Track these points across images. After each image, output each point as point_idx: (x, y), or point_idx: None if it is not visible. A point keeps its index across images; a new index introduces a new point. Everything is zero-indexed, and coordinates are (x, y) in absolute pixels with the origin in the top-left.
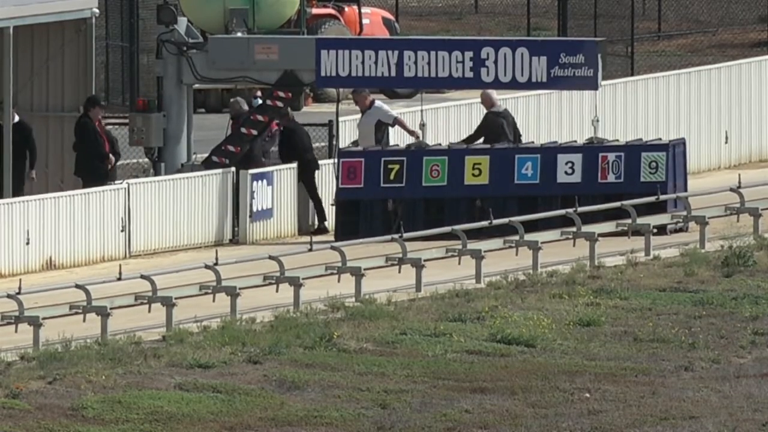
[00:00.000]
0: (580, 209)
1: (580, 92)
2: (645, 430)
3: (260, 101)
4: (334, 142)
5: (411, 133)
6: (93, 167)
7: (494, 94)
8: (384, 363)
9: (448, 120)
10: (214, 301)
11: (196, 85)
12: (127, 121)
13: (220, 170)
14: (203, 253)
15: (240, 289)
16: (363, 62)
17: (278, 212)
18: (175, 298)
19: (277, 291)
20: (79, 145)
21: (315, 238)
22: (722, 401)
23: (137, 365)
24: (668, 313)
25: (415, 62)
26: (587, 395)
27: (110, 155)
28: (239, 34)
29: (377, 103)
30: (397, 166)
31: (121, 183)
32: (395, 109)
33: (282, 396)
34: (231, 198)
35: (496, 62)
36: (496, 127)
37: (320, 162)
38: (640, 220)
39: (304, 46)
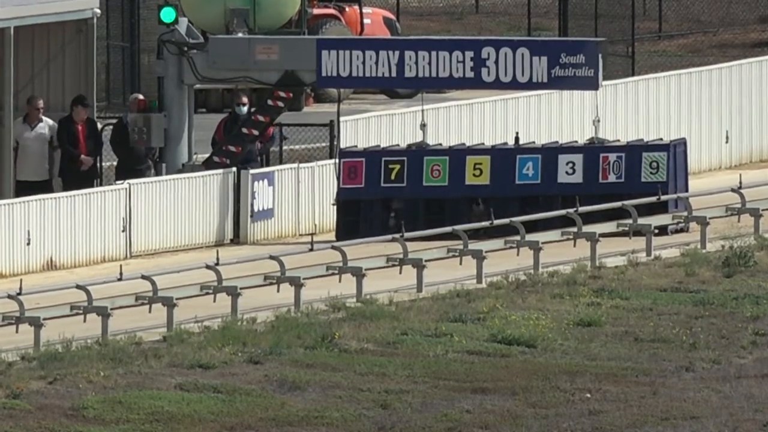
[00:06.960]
0: (581, 209)
1: (581, 92)
2: (646, 430)
3: (244, 109)
4: (335, 143)
5: None
6: (68, 168)
7: None
8: (385, 363)
9: (448, 120)
10: (215, 301)
11: (197, 86)
12: None
13: (220, 170)
14: (204, 253)
15: (241, 289)
16: (364, 62)
17: (279, 212)
18: (176, 299)
19: (278, 291)
20: (60, 146)
21: (316, 238)
22: (723, 401)
23: (138, 365)
24: (669, 313)
25: (416, 62)
26: (588, 395)
27: (84, 156)
28: (240, 35)
29: None
30: (397, 166)
31: (122, 183)
32: (396, 109)
33: (283, 396)
34: (232, 198)
35: (496, 62)
36: None
37: (320, 162)
38: (641, 221)
39: (305, 47)
